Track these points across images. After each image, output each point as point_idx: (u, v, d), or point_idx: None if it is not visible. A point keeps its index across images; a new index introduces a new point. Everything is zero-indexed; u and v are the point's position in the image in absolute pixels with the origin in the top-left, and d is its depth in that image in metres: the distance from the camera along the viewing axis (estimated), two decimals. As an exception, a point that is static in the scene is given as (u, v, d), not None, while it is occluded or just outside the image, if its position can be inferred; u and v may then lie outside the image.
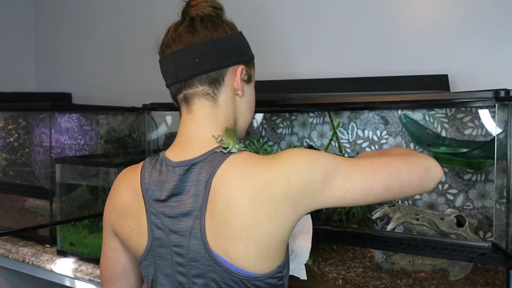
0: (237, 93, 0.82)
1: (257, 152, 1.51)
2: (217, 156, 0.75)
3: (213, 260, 0.72)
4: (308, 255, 0.94)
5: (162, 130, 1.89)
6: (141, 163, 0.84)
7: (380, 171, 0.73)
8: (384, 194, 0.73)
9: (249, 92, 0.86)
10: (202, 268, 0.74)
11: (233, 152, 0.75)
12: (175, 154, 0.79)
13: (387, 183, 0.73)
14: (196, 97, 0.80)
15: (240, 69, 0.82)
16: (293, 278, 1.17)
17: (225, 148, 0.75)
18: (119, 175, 0.87)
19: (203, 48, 0.79)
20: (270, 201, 0.70)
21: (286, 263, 0.77)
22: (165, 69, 0.84)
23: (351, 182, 0.72)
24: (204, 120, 0.80)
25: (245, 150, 0.77)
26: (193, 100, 0.81)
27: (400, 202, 1.39)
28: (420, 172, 0.74)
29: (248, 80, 0.85)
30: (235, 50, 0.82)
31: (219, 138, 0.78)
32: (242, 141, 1.66)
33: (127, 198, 0.81)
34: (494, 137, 0.93)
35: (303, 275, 0.94)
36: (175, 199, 0.76)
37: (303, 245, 0.94)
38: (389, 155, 0.79)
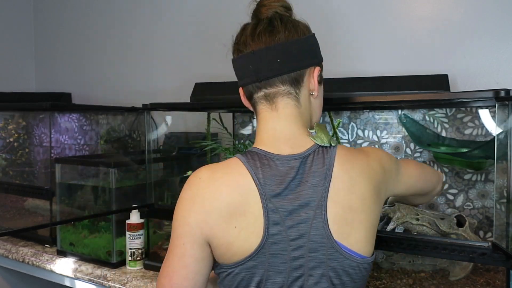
0: (311, 94, 0.85)
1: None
2: (325, 149, 0.80)
3: (334, 247, 0.75)
4: None
5: (162, 130, 1.90)
6: (228, 162, 0.80)
7: (423, 168, 1.01)
8: (425, 184, 1.00)
9: (321, 92, 0.89)
10: (321, 258, 0.75)
11: (334, 146, 0.81)
12: (277, 148, 0.80)
13: (428, 174, 1.01)
14: (279, 96, 0.82)
15: (317, 70, 0.84)
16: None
17: (325, 142, 0.81)
18: (205, 175, 0.79)
19: (285, 48, 0.80)
20: (377, 185, 0.81)
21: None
22: (242, 68, 0.84)
23: (409, 171, 0.95)
24: (291, 118, 0.82)
25: (337, 143, 0.84)
26: (276, 99, 0.82)
27: (400, 202, 1.39)
28: (437, 178, 1.04)
29: (321, 81, 0.87)
30: (312, 51, 0.85)
31: (313, 132, 0.84)
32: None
33: (233, 198, 0.76)
34: (494, 137, 0.93)
35: None
36: (293, 191, 0.76)
37: None
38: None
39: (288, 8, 0.86)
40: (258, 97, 0.83)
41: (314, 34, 0.87)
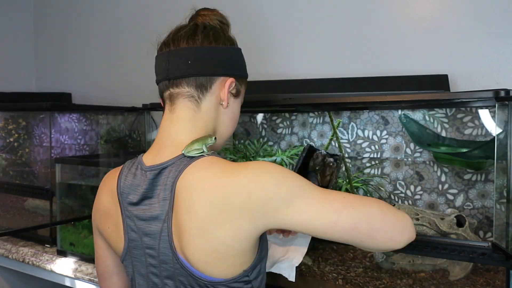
0: (221, 103, 0.84)
1: (257, 152, 1.51)
2: (184, 160, 0.76)
3: (179, 263, 0.74)
4: (301, 258, 0.94)
5: (162, 130, 1.89)
6: (121, 167, 0.88)
7: (351, 208, 0.70)
8: (349, 234, 0.70)
9: (235, 106, 0.88)
10: (171, 271, 0.76)
11: (198, 157, 0.76)
12: (151, 157, 0.82)
13: (355, 222, 0.69)
14: (180, 97, 0.82)
15: (229, 81, 0.84)
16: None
17: (188, 152, 0.76)
18: (103, 178, 0.90)
19: (198, 52, 0.82)
20: (228, 210, 0.69)
21: (254, 266, 0.76)
22: (158, 66, 0.86)
23: (317, 210, 0.69)
24: (183, 122, 0.82)
25: (212, 154, 0.77)
26: (177, 100, 0.83)
27: (400, 202, 1.39)
28: (394, 224, 0.72)
29: (236, 95, 0.87)
30: (229, 62, 0.85)
31: (194, 140, 0.79)
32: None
33: (107, 201, 0.85)
34: (494, 137, 0.93)
35: (292, 277, 0.94)
36: (147, 202, 0.78)
37: (299, 248, 0.95)
38: (368, 198, 0.74)
39: (223, 23, 0.89)
40: (166, 96, 0.85)
41: (239, 48, 0.89)
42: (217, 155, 0.78)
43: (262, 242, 0.79)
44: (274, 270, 0.94)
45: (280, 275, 1.10)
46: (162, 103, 0.88)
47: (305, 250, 0.94)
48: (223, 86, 0.84)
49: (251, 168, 0.71)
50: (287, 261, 0.95)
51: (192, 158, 0.76)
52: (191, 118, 0.82)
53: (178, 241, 0.73)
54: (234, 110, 0.88)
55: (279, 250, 0.94)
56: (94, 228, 0.91)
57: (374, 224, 0.70)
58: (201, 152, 0.77)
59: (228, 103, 0.85)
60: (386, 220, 0.71)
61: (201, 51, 0.82)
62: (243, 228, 0.70)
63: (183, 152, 0.77)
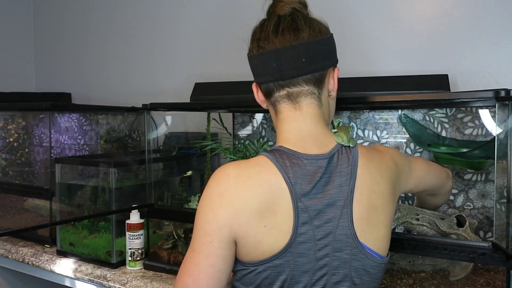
0: (330, 94, 0.85)
1: (257, 152, 1.51)
2: (347, 149, 0.81)
3: (358, 248, 0.76)
4: None
5: (162, 130, 1.90)
6: (257, 160, 0.79)
7: (428, 162, 1.04)
8: (435, 179, 1.02)
9: (336, 93, 0.89)
10: (345, 258, 0.76)
11: (353, 146, 0.82)
12: (304, 148, 0.79)
13: (441, 171, 1.05)
14: (302, 95, 0.81)
15: (337, 70, 0.85)
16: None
17: (345, 142, 0.82)
18: (234, 172, 0.78)
19: (310, 48, 0.79)
20: (392, 182, 0.83)
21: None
22: (262, 65, 0.82)
23: (419, 167, 0.97)
24: (315, 117, 0.82)
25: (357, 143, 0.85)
26: (299, 98, 0.81)
27: (400, 202, 1.39)
28: (446, 174, 1.07)
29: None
30: (334, 51, 0.85)
31: (335, 132, 0.84)
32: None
33: (264, 196, 0.75)
34: (494, 137, 0.93)
35: None
36: (321, 190, 0.76)
37: None
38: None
39: (305, 5, 0.85)
40: (280, 95, 0.82)
41: (332, 34, 0.86)
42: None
43: None
44: None
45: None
46: (263, 103, 0.86)
47: None
48: (332, 77, 0.84)
49: (384, 149, 0.89)
50: None
51: (355, 147, 0.82)
52: (320, 114, 0.83)
53: (359, 224, 0.77)
54: (335, 98, 0.89)
55: None
56: (222, 235, 0.75)
57: (444, 174, 1.07)
58: (355, 142, 0.83)
59: (336, 92, 0.86)
60: (447, 173, 1.08)
61: (311, 46, 0.79)
62: (397, 196, 0.87)
63: (343, 143, 0.81)
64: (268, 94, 0.84)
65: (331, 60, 0.84)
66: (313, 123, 0.82)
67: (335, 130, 0.84)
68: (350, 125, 1.49)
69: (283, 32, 0.79)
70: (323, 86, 0.83)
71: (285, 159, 0.77)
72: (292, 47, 0.78)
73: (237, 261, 0.79)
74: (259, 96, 0.86)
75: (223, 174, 0.78)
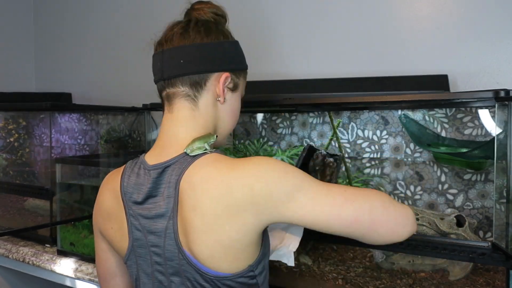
0: (218, 99, 0.84)
1: (257, 152, 1.51)
2: (187, 158, 0.77)
3: (185, 259, 0.75)
4: (297, 244, 0.94)
5: (162, 130, 1.89)
6: (123, 167, 0.88)
7: (352, 201, 0.71)
8: (351, 227, 0.71)
9: (233, 100, 0.88)
10: (177, 267, 0.77)
11: (201, 155, 0.76)
12: (153, 156, 0.82)
13: (357, 215, 0.70)
14: (177, 97, 0.83)
15: (224, 76, 0.83)
16: (291, 276, 1.17)
17: (191, 151, 0.77)
18: (104, 178, 0.90)
19: (190, 50, 0.81)
20: (232, 206, 0.70)
21: (259, 261, 0.77)
22: (154, 65, 0.86)
23: (319, 203, 0.70)
24: (183, 122, 0.82)
25: (215, 151, 0.78)
26: (174, 100, 0.83)
27: (400, 202, 1.39)
28: (396, 216, 0.72)
29: (233, 89, 0.86)
30: (222, 57, 0.84)
31: (194, 138, 0.80)
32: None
33: (109, 201, 0.85)
34: (494, 137, 0.93)
35: (291, 262, 0.95)
36: (151, 201, 0.79)
37: (295, 233, 0.95)
38: (370, 191, 0.75)
39: (218, 15, 0.88)
40: (163, 96, 0.85)
41: (235, 41, 0.88)
42: (219, 152, 0.79)
43: (265, 237, 0.80)
44: (273, 257, 0.95)
45: (280, 273, 1.10)
46: (161, 103, 0.88)
47: (299, 238, 0.94)
48: (218, 82, 0.83)
49: (253, 164, 0.72)
50: (284, 247, 0.95)
51: (195, 156, 0.76)
52: (191, 117, 0.82)
53: (184, 237, 0.74)
54: (233, 104, 0.87)
55: (275, 239, 0.95)
56: (96, 230, 0.90)
57: (375, 217, 0.71)
58: (204, 150, 0.77)
59: (225, 99, 0.84)
60: (388, 213, 0.72)
61: (192, 49, 0.81)
62: (248, 222, 0.71)
63: (185, 150, 0.77)
64: (159, 94, 0.87)
65: (216, 65, 0.83)
66: (179, 127, 0.82)
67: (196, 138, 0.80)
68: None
69: (172, 35, 0.84)
70: (203, 89, 0.82)
71: (133, 167, 0.84)
72: (174, 49, 0.82)
73: None
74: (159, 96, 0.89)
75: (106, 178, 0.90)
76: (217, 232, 0.71)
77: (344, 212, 0.70)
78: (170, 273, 0.78)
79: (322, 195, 0.71)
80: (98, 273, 0.94)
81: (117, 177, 0.85)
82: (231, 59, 0.85)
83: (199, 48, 0.82)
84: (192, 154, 0.77)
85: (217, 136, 0.83)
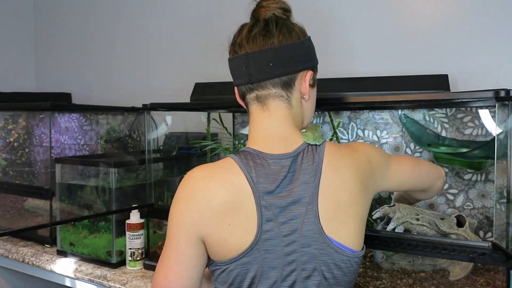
0: (303, 97, 0.86)
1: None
2: (313, 148, 0.83)
3: (326, 242, 0.78)
4: None
5: (162, 130, 1.90)
6: (222, 162, 0.83)
7: (417, 162, 1.00)
8: (421, 180, 0.98)
9: (313, 95, 0.91)
10: (313, 253, 0.78)
11: (324, 142, 0.84)
12: (269, 148, 0.82)
13: (425, 170, 0.98)
14: (270, 98, 0.84)
15: (309, 74, 0.86)
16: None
17: (314, 139, 0.83)
18: (199, 174, 0.82)
19: (278, 52, 0.82)
20: (363, 179, 0.83)
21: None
22: (236, 69, 0.86)
23: (401, 167, 0.94)
24: (283, 118, 0.84)
25: (324, 140, 0.85)
26: (267, 101, 0.84)
27: (400, 202, 1.39)
28: (437, 174, 1.01)
29: (313, 84, 0.89)
30: (305, 56, 0.86)
31: (303, 131, 0.86)
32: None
33: (226, 196, 0.78)
34: (494, 137, 0.93)
35: None
36: (285, 189, 0.79)
37: None
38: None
39: (287, 10, 0.87)
40: (251, 98, 0.86)
41: (309, 37, 0.88)
42: (326, 141, 0.86)
43: None
44: None
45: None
46: (243, 104, 0.89)
47: None
48: (304, 81, 0.85)
49: (359, 146, 0.89)
50: None
51: (321, 145, 0.83)
52: (289, 115, 0.85)
53: (325, 220, 0.78)
54: (313, 99, 0.91)
55: None
56: (188, 234, 0.80)
57: (434, 174, 1.01)
58: (324, 139, 0.85)
59: (309, 96, 0.87)
60: (439, 173, 1.02)
61: (280, 51, 0.82)
62: (371, 193, 0.86)
63: (309, 142, 0.83)
64: (242, 96, 0.88)
65: (302, 64, 0.85)
66: (281, 123, 0.84)
67: (304, 130, 0.86)
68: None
69: (254, 37, 0.83)
70: (293, 89, 0.84)
71: (249, 160, 0.81)
72: (260, 52, 0.82)
73: (212, 261, 0.82)
74: (239, 98, 0.91)
75: (189, 177, 0.82)
76: (360, 207, 0.82)
77: (423, 171, 0.99)
78: (303, 261, 0.78)
79: (400, 161, 0.96)
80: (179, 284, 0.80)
81: (229, 172, 0.80)
82: (311, 56, 0.88)
83: (285, 49, 0.83)
84: (318, 143, 0.83)
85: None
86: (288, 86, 0.84)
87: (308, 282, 0.78)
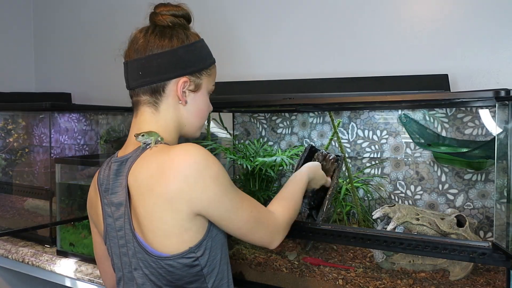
0: (179, 102, 0.91)
1: (257, 152, 1.51)
2: (137, 151, 0.87)
3: (137, 242, 0.84)
4: None
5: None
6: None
7: (244, 209, 0.87)
8: (239, 230, 0.88)
9: (198, 99, 0.93)
10: (133, 249, 0.86)
11: (144, 149, 0.86)
12: (121, 152, 0.94)
13: (247, 220, 0.87)
14: (140, 104, 0.91)
15: (181, 81, 0.89)
16: (291, 276, 1.17)
17: (143, 143, 0.87)
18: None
19: (146, 62, 0.88)
20: (167, 196, 0.80)
21: (200, 244, 0.83)
22: (124, 74, 0.94)
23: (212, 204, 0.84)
24: (144, 123, 0.90)
25: (161, 143, 0.87)
26: (138, 106, 0.92)
27: (400, 202, 1.39)
28: (268, 235, 0.91)
29: (195, 89, 0.92)
30: (178, 63, 0.89)
31: (141, 135, 0.88)
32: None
33: (93, 192, 0.97)
34: (494, 137, 0.93)
35: None
36: (115, 190, 0.89)
37: None
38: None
39: (178, 16, 0.92)
40: (131, 102, 0.94)
41: (190, 44, 0.91)
42: (164, 144, 0.87)
43: (213, 224, 0.86)
44: None
45: (280, 273, 1.09)
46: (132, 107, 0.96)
47: None
48: (177, 87, 0.89)
49: (179, 159, 0.81)
50: None
51: (142, 150, 0.86)
52: (151, 120, 0.90)
53: (135, 223, 0.85)
54: (198, 103, 0.94)
55: None
56: (89, 217, 1.02)
57: (252, 238, 0.90)
58: (149, 143, 0.86)
59: (186, 101, 0.91)
60: (263, 233, 0.91)
61: (147, 61, 0.87)
62: (180, 209, 0.80)
63: (138, 140, 0.86)
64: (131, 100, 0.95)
65: (172, 72, 0.88)
66: (139, 128, 0.90)
67: (142, 134, 0.88)
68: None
69: (131, 47, 0.91)
70: (163, 95, 0.89)
71: (108, 161, 0.94)
72: (133, 62, 0.89)
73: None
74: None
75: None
76: (156, 218, 0.81)
77: (237, 216, 0.87)
78: (130, 255, 0.87)
79: (223, 203, 0.86)
80: (95, 256, 1.05)
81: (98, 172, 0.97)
82: (187, 63, 0.90)
83: (154, 58, 0.87)
84: (140, 140, 0.86)
85: (162, 139, 0.89)
86: (156, 93, 0.89)
87: (135, 273, 0.88)
